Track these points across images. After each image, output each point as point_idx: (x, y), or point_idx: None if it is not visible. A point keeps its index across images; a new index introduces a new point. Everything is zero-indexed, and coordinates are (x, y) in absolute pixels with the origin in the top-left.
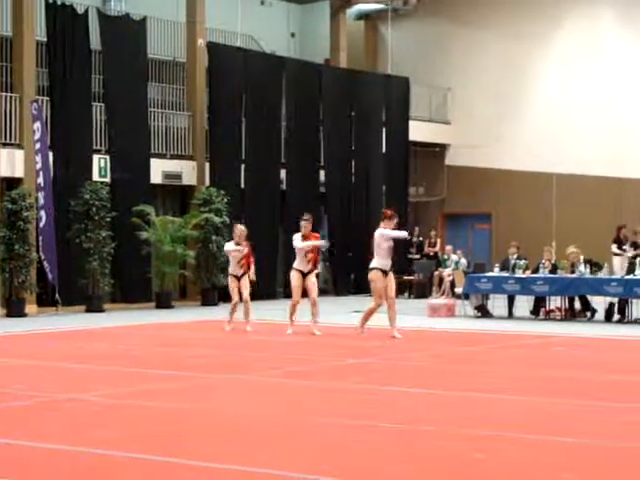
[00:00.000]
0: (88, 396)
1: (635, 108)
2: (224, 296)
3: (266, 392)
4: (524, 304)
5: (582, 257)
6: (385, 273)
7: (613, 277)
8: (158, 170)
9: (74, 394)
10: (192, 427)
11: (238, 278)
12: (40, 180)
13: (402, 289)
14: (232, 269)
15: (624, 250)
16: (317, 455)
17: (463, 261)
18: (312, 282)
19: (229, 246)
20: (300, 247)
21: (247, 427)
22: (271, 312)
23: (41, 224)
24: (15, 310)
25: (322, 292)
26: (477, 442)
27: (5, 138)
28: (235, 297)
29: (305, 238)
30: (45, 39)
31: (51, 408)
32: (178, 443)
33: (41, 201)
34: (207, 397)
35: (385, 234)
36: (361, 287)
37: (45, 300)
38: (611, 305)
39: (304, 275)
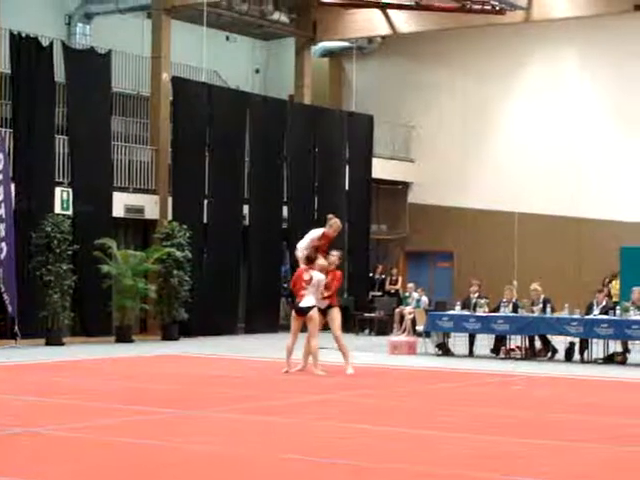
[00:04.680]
0: (45, 430)
1: (593, 150)
2: (185, 331)
3: (223, 428)
4: (485, 343)
5: (542, 296)
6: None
7: (574, 317)
8: (120, 204)
9: (31, 428)
10: (149, 462)
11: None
12: (2, 212)
13: (363, 326)
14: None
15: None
16: None
17: (424, 299)
18: (330, 317)
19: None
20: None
21: (202, 462)
22: (231, 347)
23: (2, 256)
24: None
25: (283, 327)
26: None
27: None
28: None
29: (327, 273)
30: (9, 71)
31: (6, 442)
32: (134, 478)
33: (2, 233)
34: (165, 432)
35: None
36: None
37: (4, 333)
38: (572, 344)
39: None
